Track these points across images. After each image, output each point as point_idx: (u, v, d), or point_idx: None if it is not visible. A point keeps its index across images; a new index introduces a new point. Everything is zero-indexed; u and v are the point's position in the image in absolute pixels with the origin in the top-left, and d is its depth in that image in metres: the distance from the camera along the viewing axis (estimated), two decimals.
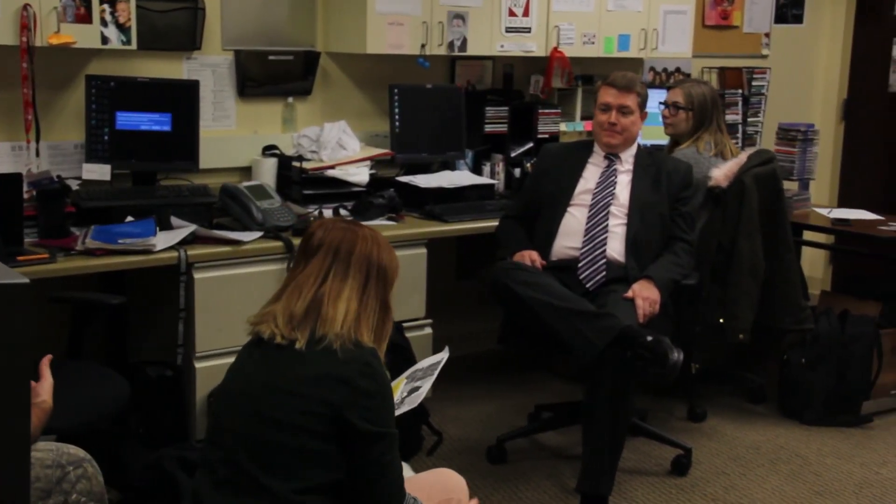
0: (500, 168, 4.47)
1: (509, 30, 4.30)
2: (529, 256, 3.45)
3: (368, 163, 3.97)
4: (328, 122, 4.05)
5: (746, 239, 3.75)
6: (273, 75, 4.03)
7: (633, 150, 3.60)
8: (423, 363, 2.59)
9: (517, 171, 4.46)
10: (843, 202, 5.75)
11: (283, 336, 2.01)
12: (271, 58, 4.01)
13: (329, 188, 3.85)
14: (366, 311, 2.06)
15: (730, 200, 3.77)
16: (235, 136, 4.00)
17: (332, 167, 3.87)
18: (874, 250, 4.87)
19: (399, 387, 2.47)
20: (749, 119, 5.40)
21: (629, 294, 3.28)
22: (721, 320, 3.78)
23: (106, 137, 3.53)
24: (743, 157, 3.87)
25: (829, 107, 5.95)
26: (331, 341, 1.98)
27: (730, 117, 5.22)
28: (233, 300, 3.24)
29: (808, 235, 4.77)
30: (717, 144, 3.98)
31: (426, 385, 2.44)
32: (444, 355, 2.58)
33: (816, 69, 5.93)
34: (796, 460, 3.67)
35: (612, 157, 3.58)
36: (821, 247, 5.26)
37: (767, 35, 5.62)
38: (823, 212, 4.62)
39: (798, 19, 5.77)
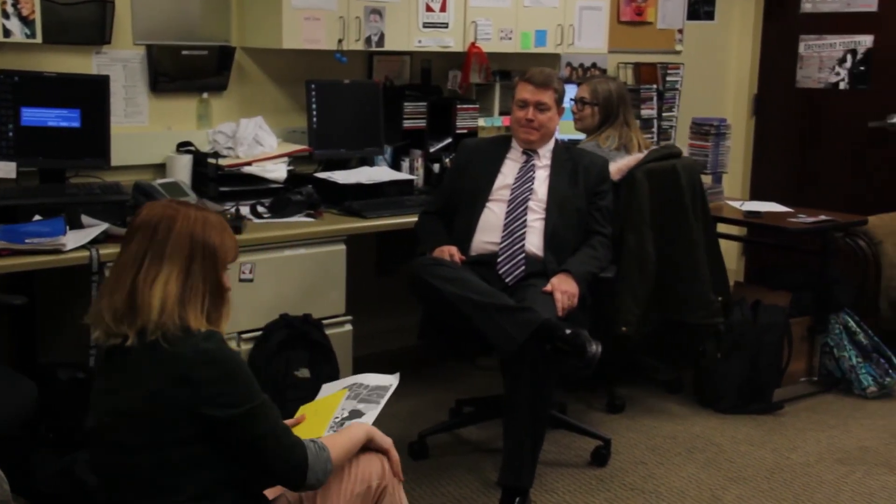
0: (418, 163, 4.46)
1: (427, 25, 4.29)
2: (449, 252, 3.45)
3: (286, 159, 3.93)
4: (244, 118, 4.00)
5: (633, 232, 3.79)
6: (187, 70, 3.96)
7: (550, 145, 3.64)
8: (369, 380, 2.46)
9: (436, 167, 4.46)
10: (754, 195, 5.89)
11: (113, 335, 1.91)
12: (185, 52, 3.94)
13: (246, 185, 3.80)
14: (190, 293, 1.92)
15: (621, 194, 3.81)
16: (148, 132, 3.92)
17: (249, 164, 3.82)
18: (784, 242, 5.00)
19: (339, 400, 2.37)
20: (664, 114, 5.49)
21: (548, 288, 3.31)
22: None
23: (10, 133, 3.43)
24: (644, 152, 3.93)
25: (741, 102, 6.08)
26: (153, 332, 1.88)
27: (645, 112, 5.31)
28: None
29: (721, 228, 4.86)
30: (620, 139, 4.02)
31: (371, 413, 2.32)
32: (394, 381, 2.46)
33: (728, 65, 6.06)
34: (711, 448, 3.74)
35: (529, 152, 3.61)
36: (733, 239, 5.37)
37: (680, 31, 5.72)
38: (736, 204, 4.72)
39: (709, 16, 5.88)
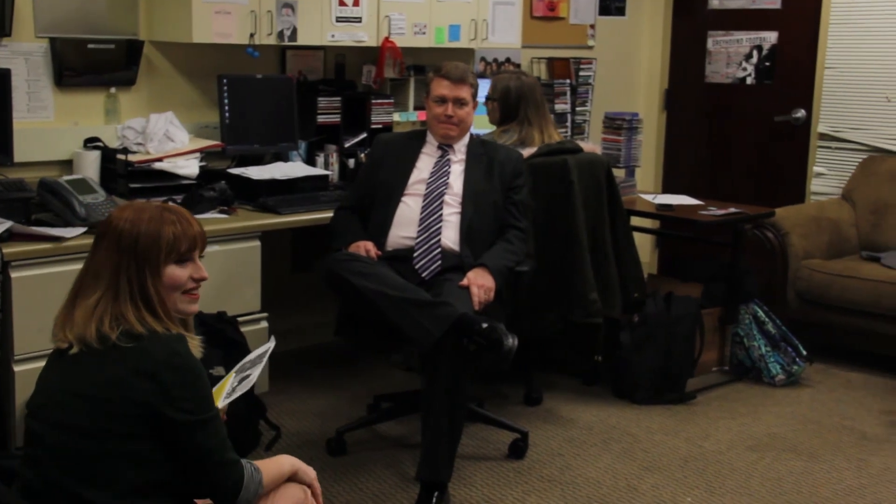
0: (333, 159, 4.43)
1: (340, 20, 4.26)
2: (364, 247, 3.44)
3: (198, 155, 3.86)
4: (154, 113, 3.92)
5: None
6: (93, 64, 3.86)
7: (465, 139, 3.64)
8: (251, 356, 2.54)
9: (351, 162, 4.44)
10: (666, 188, 5.99)
11: (68, 341, 1.92)
12: (91, 46, 3.84)
13: (157, 181, 3.73)
14: (124, 291, 1.93)
15: None
16: (53, 127, 3.81)
17: (160, 159, 3.74)
18: (695, 234, 5.09)
19: (227, 382, 2.41)
20: (577, 108, 5.55)
21: (464, 282, 3.32)
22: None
23: None
24: (535, 148, 3.95)
25: (652, 96, 6.18)
26: (107, 336, 1.88)
27: (558, 107, 5.36)
28: (54, 299, 3.05)
29: (634, 221, 4.93)
30: (520, 135, 4.04)
31: (256, 372, 2.39)
32: (270, 344, 2.54)
33: (639, 60, 6.15)
34: (627, 438, 3.79)
35: (445, 146, 3.61)
36: (647, 232, 5.46)
37: (593, 27, 5.78)
38: (648, 198, 4.79)
39: (621, 11, 5.96)
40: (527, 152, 3.90)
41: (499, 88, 4.11)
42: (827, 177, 5.42)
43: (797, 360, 4.41)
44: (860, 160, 5.20)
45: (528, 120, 4.06)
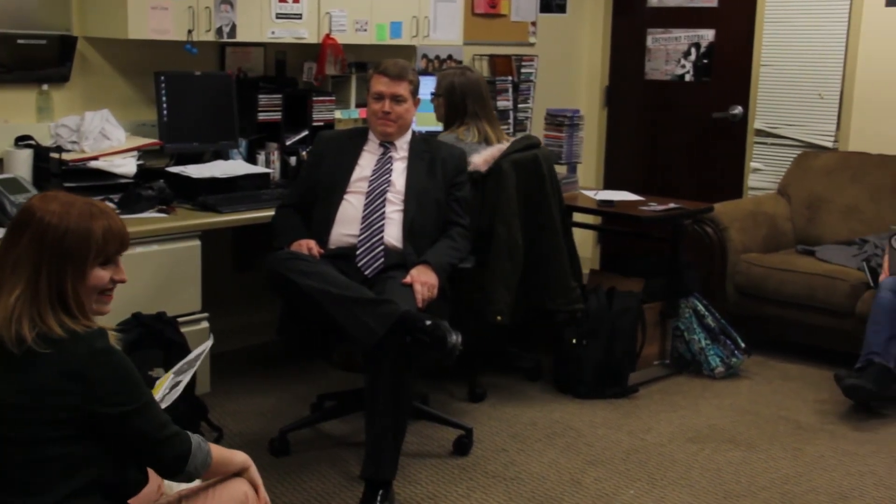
0: (275, 157, 4.40)
1: (280, 16, 4.23)
2: (307, 245, 3.42)
3: (135, 153, 3.81)
4: (89, 111, 3.85)
5: (503, 223, 3.82)
6: (24, 61, 3.78)
7: (407, 136, 3.64)
8: (190, 355, 2.51)
9: (293, 160, 4.41)
10: (608, 184, 6.05)
11: None
12: (21, 41, 3.76)
13: (93, 180, 3.67)
14: (43, 292, 1.85)
15: (488, 185, 3.85)
16: None
17: (96, 158, 3.68)
18: (636, 229, 5.15)
19: (164, 384, 2.38)
20: (519, 105, 5.57)
21: (407, 279, 3.32)
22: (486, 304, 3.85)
23: None
24: (505, 143, 3.98)
25: (593, 93, 6.23)
26: (24, 338, 1.81)
27: (501, 103, 5.37)
28: None
29: (576, 217, 4.97)
30: (479, 131, 4.06)
31: (186, 377, 2.37)
32: (208, 343, 2.51)
33: (580, 57, 6.20)
34: (570, 433, 3.82)
35: (387, 144, 3.60)
36: (589, 228, 5.51)
37: (534, 24, 5.81)
38: (590, 194, 4.83)
39: (561, 9, 6.00)
40: (496, 149, 3.90)
41: (443, 85, 4.12)
42: (763, 172, 5.51)
43: (736, 352, 4.48)
44: (795, 156, 5.30)
45: (477, 115, 4.08)
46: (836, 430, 3.89)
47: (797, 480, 3.45)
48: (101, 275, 1.94)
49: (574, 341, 4.18)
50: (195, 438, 1.98)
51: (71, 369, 1.83)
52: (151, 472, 2.04)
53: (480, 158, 3.85)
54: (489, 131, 4.07)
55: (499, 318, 3.81)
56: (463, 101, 4.07)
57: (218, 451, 2.05)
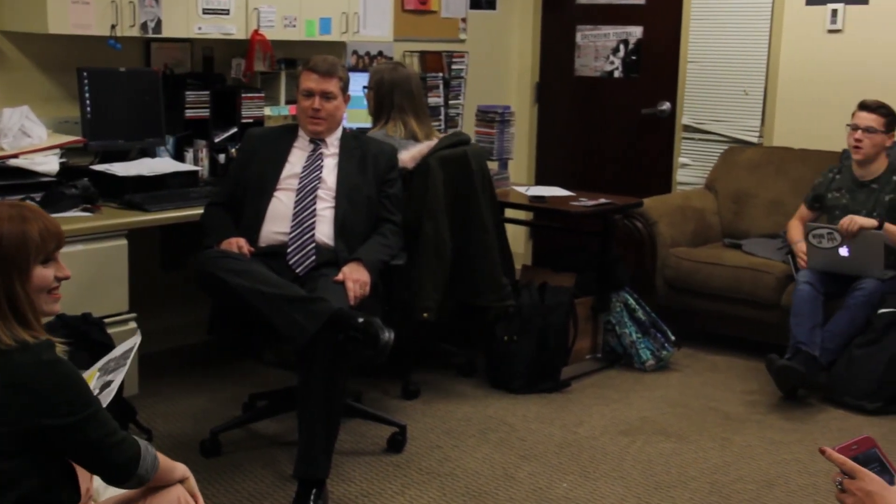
0: (203, 154, 4.34)
1: (207, 11, 4.17)
2: (237, 243, 3.38)
3: (57, 151, 3.72)
4: (8, 107, 3.76)
5: (430, 220, 3.83)
6: None
7: (338, 133, 3.62)
8: (115, 352, 2.46)
9: (222, 157, 4.35)
10: (539, 180, 6.09)
11: None
12: None
13: (12, 179, 3.57)
14: None
15: (415, 183, 3.85)
16: None
17: (16, 156, 3.59)
18: (568, 225, 5.20)
19: (90, 381, 2.32)
20: (450, 101, 5.58)
21: (339, 277, 3.30)
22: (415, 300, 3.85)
23: None
24: (434, 140, 3.98)
25: (524, 89, 6.26)
26: None
27: (432, 100, 5.38)
28: None
29: (508, 213, 4.99)
30: (406, 127, 4.04)
31: (118, 377, 2.31)
32: (135, 339, 2.46)
33: (510, 53, 6.22)
34: (504, 428, 3.84)
35: (317, 141, 3.58)
36: (520, 223, 5.54)
37: (464, 20, 5.82)
38: (521, 190, 4.85)
39: (491, 5, 6.01)
40: (425, 146, 3.90)
41: (374, 79, 4.11)
42: (691, 167, 5.59)
43: (666, 345, 4.54)
44: (722, 151, 5.39)
45: (404, 111, 4.05)
46: (763, 420, 3.97)
47: (726, 470, 3.51)
48: (45, 273, 1.94)
49: (506, 338, 4.19)
50: (142, 442, 1.96)
51: (16, 381, 1.79)
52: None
53: (408, 155, 3.84)
54: (416, 128, 4.04)
55: (425, 315, 3.81)
56: (391, 96, 4.05)
57: (161, 458, 2.02)
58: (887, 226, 4.14)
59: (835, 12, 5.02)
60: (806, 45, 5.14)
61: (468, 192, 3.93)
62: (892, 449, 3.64)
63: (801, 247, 4.36)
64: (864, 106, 4.29)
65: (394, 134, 3.98)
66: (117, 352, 2.46)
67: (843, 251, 4.13)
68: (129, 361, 2.37)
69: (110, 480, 1.98)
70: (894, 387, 4.01)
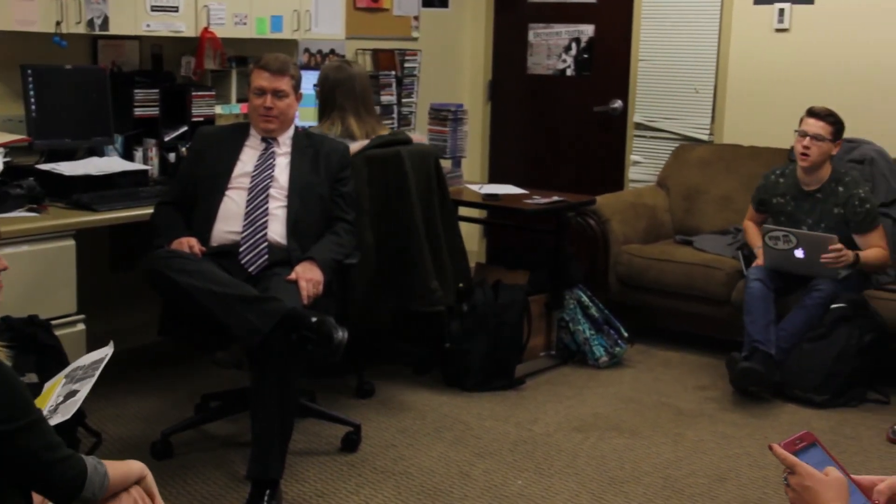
0: (153, 153, 4.28)
1: (155, 8, 4.11)
2: (188, 243, 3.34)
3: (2, 150, 3.64)
4: None
5: None
6: None
7: (290, 132, 3.60)
8: (85, 360, 2.40)
9: (172, 156, 4.30)
10: (493, 178, 6.09)
11: None
12: None
13: None
14: None
15: None
16: None
17: None
18: (521, 223, 5.21)
19: (55, 388, 2.27)
20: (403, 100, 5.57)
21: (292, 276, 3.28)
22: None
23: None
24: (367, 140, 3.95)
25: (477, 87, 6.27)
26: None
27: (384, 98, 5.37)
28: None
29: (462, 211, 4.99)
30: (343, 126, 4.00)
31: (85, 388, 2.26)
32: (108, 350, 2.40)
33: (463, 51, 6.22)
34: (459, 426, 3.84)
35: (269, 139, 3.55)
36: (474, 222, 5.54)
37: (416, 18, 5.81)
38: (475, 188, 4.86)
39: (444, 3, 6.01)
40: (358, 144, 3.88)
41: (320, 77, 4.09)
42: (643, 165, 5.64)
43: (619, 342, 4.58)
44: (673, 149, 5.44)
45: (344, 109, 4.01)
46: (715, 415, 4.01)
47: (678, 464, 3.54)
48: None
49: (462, 332, 4.19)
50: (90, 461, 1.89)
51: None
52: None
53: None
54: (354, 126, 3.98)
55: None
56: (333, 94, 4.03)
57: (114, 469, 1.96)
58: (862, 255, 4.19)
59: (782, 12, 5.08)
60: (754, 44, 5.20)
61: (400, 193, 3.86)
62: (839, 440, 3.72)
63: (760, 252, 4.38)
64: (812, 113, 4.29)
65: (329, 132, 3.95)
66: (86, 360, 2.40)
67: (799, 253, 4.18)
68: (97, 372, 2.31)
69: (55, 500, 1.92)
70: (842, 380, 4.08)
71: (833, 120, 4.26)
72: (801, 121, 4.31)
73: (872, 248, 4.22)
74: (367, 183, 3.84)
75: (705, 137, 5.40)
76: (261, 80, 3.47)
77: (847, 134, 4.35)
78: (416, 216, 3.87)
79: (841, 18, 4.94)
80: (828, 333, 4.11)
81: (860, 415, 4.02)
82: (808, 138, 4.26)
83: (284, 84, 3.48)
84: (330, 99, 4.03)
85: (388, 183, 3.86)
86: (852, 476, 1.59)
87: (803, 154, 4.28)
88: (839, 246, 4.09)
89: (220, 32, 4.36)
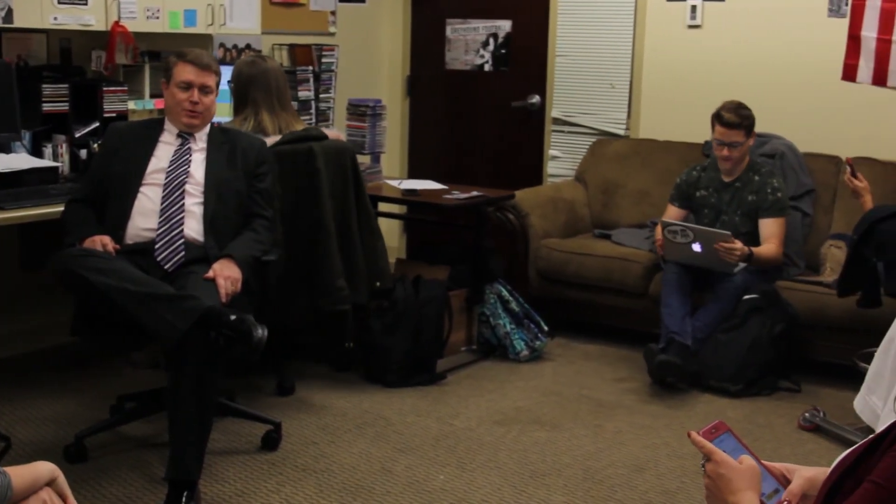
0: (63, 149, 4.17)
1: (63, 1, 4.00)
2: (100, 241, 3.27)
3: None
4: None
5: None
6: None
7: (207, 127, 3.55)
8: None
9: (83, 153, 4.20)
10: (412, 174, 6.09)
11: None
12: None
13: None
14: None
15: None
16: None
17: None
18: (441, 218, 5.22)
19: None
20: (321, 95, 5.53)
21: (210, 274, 3.23)
22: None
23: None
24: (278, 136, 3.91)
25: (395, 83, 6.25)
26: None
27: (302, 94, 5.32)
28: None
29: (382, 207, 4.98)
30: (256, 121, 3.97)
31: None
32: None
33: (381, 47, 6.20)
34: (380, 422, 3.83)
35: (185, 135, 3.50)
36: (394, 217, 5.53)
37: (333, 13, 5.76)
38: (394, 183, 4.85)
39: None
40: (270, 140, 3.84)
41: (234, 73, 4.04)
42: (561, 159, 5.69)
43: (539, 335, 4.61)
44: (590, 143, 5.50)
45: (258, 104, 3.97)
46: (634, 406, 4.07)
47: (598, 456, 3.59)
48: None
49: (382, 328, 4.18)
50: None
51: None
52: None
53: None
54: (267, 122, 3.95)
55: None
56: (246, 89, 3.98)
57: (19, 477, 1.89)
58: (756, 251, 4.28)
59: (694, 8, 5.18)
60: (668, 40, 5.29)
61: (311, 190, 3.81)
62: (753, 428, 3.80)
63: (660, 241, 4.45)
64: (724, 122, 4.31)
65: (241, 127, 3.91)
66: None
67: (696, 247, 4.27)
68: None
69: None
70: (755, 369, 4.17)
71: (744, 122, 4.31)
72: (714, 127, 4.37)
73: (766, 245, 4.32)
74: (280, 179, 3.78)
75: (622, 132, 5.47)
76: (188, 74, 3.42)
77: (758, 128, 4.45)
78: (326, 213, 3.81)
79: (751, 15, 5.05)
80: (741, 324, 4.21)
81: (772, 403, 4.12)
82: (726, 148, 4.34)
83: (211, 80, 3.46)
84: (244, 94, 3.99)
85: (298, 179, 3.80)
86: (763, 462, 1.63)
87: (725, 160, 4.37)
88: (732, 240, 4.18)
89: (132, 26, 4.27)
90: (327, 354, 4.42)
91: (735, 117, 4.31)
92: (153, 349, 3.23)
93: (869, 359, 3.08)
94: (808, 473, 1.65)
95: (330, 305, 3.85)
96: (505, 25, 5.83)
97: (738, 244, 4.18)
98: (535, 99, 5.78)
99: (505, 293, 4.61)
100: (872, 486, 1.38)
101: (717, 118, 4.35)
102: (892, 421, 1.48)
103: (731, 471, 1.58)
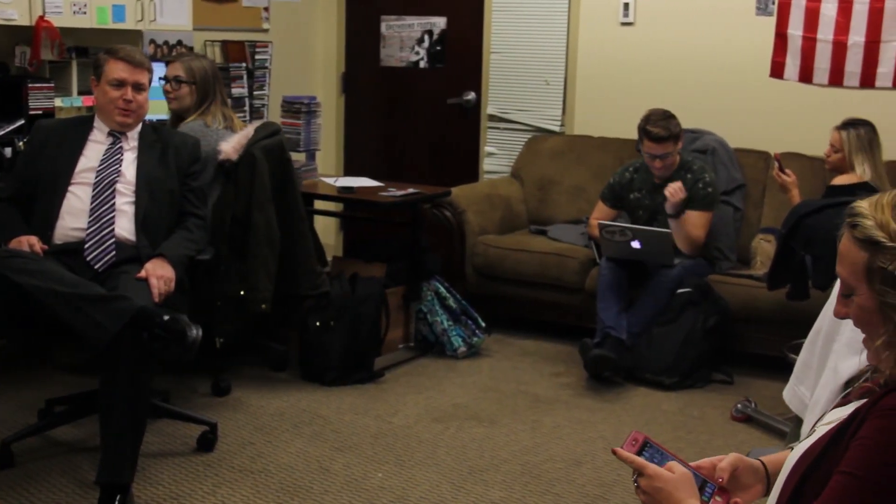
0: None
1: None
2: (27, 241, 3.21)
3: None
4: None
5: (260, 211, 3.79)
6: None
7: (138, 126, 3.49)
8: None
9: (8, 151, 4.10)
10: (348, 171, 6.06)
11: None
12: None
13: None
14: None
15: (241, 173, 3.78)
16: None
17: None
18: (377, 215, 5.20)
19: None
20: (255, 92, 5.47)
21: (142, 274, 3.18)
22: (242, 292, 3.79)
23: None
24: (250, 129, 3.90)
25: (330, 80, 6.21)
26: None
27: (235, 91, 5.25)
28: None
29: (318, 204, 4.95)
30: (225, 118, 3.99)
31: None
32: None
33: (315, 43, 6.16)
34: (318, 421, 3.80)
35: (116, 133, 3.44)
36: (330, 214, 5.50)
37: (267, 9, 5.70)
38: (330, 181, 4.82)
39: None
40: (243, 136, 3.80)
41: (196, 70, 4.01)
42: (497, 156, 5.71)
43: (477, 332, 4.62)
44: (526, 140, 5.52)
45: (224, 101, 4.05)
46: (571, 401, 4.10)
47: (536, 451, 3.60)
48: None
49: (319, 326, 4.15)
50: None
51: None
52: None
53: (230, 146, 3.76)
54: (233, 116, 4.03)
55: (263, 306, 3.77)
56: (214, 86, 4.00)
57: None
58: (688, 213, 4.34)
59: (626, 6, 5.23)
60: (601, 38, 5.33)
61: (285, 180, 3.90)
62: (687, 420, 3.86)
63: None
64: (653, 138, 4.33)
65: (212, 125, 3.90)
66: None
67: (636, 244, 4.32)
68: None
69: None
70: (689, 362, 4.23)
71: (672, 133, 4.34)
72: (642, 141, 4.41)
73: (694, 226, 4.39)
74: (269, 173, 3.82)
75: (557, 129, 5.51)
76: (120, 71, 3.37)
77: (689, 125, 4.51)
78: (299, 201, 3.98)
79: (682, 13, 5.12)
80: (676, 318, 4.26)
81: (706, 395, 4.18)
82: (657, 160, 4.39)
83: (144, 77, 3.43)
84: (211, 91, 3.98)
85: (274, 171, 3.87)
86: (691, 464, 1.63)
87: (658, 169, 4.42)
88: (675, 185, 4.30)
89: (58, 22, 4.18)
90: (264, 353, 4.38)
91: (663, 131, 4.34)
92: (84, 351, 3.16)
93: (798, 350, 3.16)
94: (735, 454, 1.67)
95: (311, 290, 3.98)
96: (440, 22, 5.83)
97: (678, 184, 4.30)
98: (471, 96, 5.79)
99: (442, 290, 4.61)
100: (844, 477, 1.36)
101: (646, 133, 4.37)
102: (832, 411, 1.50)
103: (667, 483, 1.56)
